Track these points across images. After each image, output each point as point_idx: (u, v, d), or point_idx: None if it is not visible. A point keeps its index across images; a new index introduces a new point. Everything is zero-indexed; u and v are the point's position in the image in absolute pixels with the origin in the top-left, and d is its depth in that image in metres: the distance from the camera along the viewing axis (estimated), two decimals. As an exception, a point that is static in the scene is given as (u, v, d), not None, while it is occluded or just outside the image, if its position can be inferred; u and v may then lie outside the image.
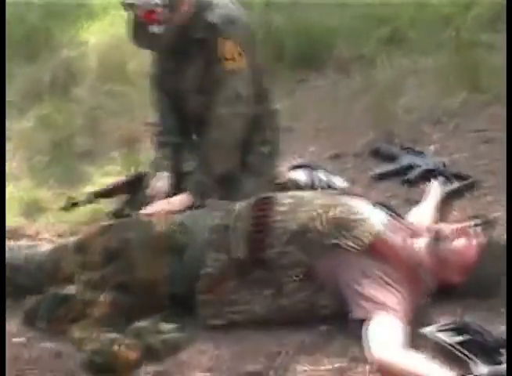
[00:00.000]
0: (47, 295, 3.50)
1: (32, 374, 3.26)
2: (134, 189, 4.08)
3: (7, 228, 4.27)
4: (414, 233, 3.40)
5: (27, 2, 9.37)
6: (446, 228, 3.35)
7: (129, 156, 4.87)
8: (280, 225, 3.33)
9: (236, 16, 4.01)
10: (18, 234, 4.22)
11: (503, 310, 3.22)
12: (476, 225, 3.36)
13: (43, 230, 4.30)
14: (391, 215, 3.47)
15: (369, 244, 3.22)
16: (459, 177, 4.35)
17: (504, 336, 2.98)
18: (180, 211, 3.80)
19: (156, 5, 3.77)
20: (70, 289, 3.48)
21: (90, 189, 4.60)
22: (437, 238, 3.29)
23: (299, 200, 3.46)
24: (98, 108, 5.81)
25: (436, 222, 3.84)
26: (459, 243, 3.28)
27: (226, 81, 3.93)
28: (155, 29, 3.83)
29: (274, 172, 4.16)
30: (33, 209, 4.50)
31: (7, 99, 6.37)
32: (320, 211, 3.33)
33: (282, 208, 3.40)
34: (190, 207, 3.88)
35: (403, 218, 3.58)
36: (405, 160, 4.58)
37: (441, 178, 4.30)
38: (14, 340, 3.46)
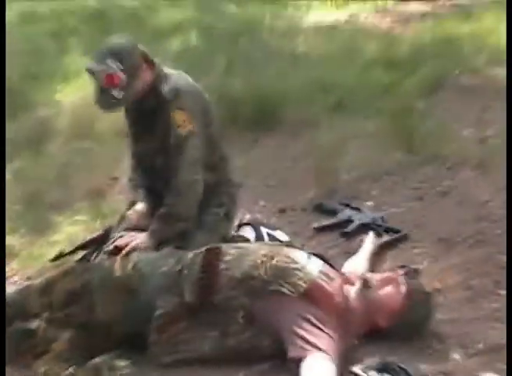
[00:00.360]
0: (13, 330, 3.53)
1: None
2: (103, 241, 4.13)
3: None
4: (345, 281, 3.48)
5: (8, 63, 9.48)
6: (374, 277, 3.43)
7: (95, 207, 4.93)
8: (226, 273, 3.42)
9: (184, 88, 4.08)
10: (-13, 277, 4.23)
11: (429, 351, 3.33)
12: (402, 274, 3.44)
13: (14, 273, 4.32)
14: (324, 265, 3.56)
15: (305, 290, 3.32)
16: (392, 230, 4.45)
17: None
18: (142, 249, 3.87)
19: (114, 70, 3.84)
20: (35, 324, 3.53)
21: (57, 237, 4.64)
22: (365, 286, 3.38)
23: (244, 251, 3.56)
24: (68, 163, 5.85)
25: (368, 271, 3.92)
26: (386, 290, 3.39)
27: (182, 146, 4.01)
28: (115, 93, 3.89)
29: (228, 232, 4.24)
30: (5, 254, 4.51)
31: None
32: (263, 259, 3.44)
33: (228, 257, 3.49)
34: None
35: (335, 268, 3.65)
36: (344, 214, 4.68)
37: (374, 232, 4.38)
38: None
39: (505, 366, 3.15)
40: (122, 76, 3.86)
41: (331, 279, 3.47)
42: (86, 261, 4.10)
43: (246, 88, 6.79)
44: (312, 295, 3.32)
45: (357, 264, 4.01)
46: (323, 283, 3.40)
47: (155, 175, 4.26)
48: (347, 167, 5.43)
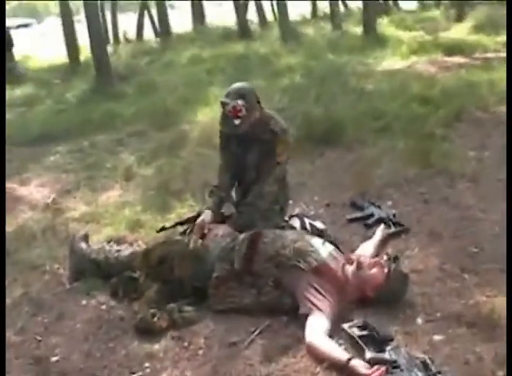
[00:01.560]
0: (124, 276, 3.67)
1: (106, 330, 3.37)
2: (195, 219, 4.12)
3: (116, 236, 4.42)
4: (347, 262, 3.39)
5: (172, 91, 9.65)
6: (366, 260, 3.34)
7: (202, 196, 4.92)
8: (263, 251, 3.43)
9: (288, 128, 4.14)
10: (122, 240, 4.31)
11: (401, 315, 3.21)
12: (385, 260, 3.33)
13: (138, 239, 4.37)
14: (334, 250, 3.49)
15: (315, 266, 3.30)
16: (399, 224, 4.29)
17: (390, 334, 2.98)
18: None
19: (240, 106, 3.86)
20: (137, 274, 3.64)
21: (171, 216, 4.67)
22: (359, 266, 3.30)
23: (278, 236, 3.54)
24: (191, 163, 5.89)
25: (376, 253, 3.82)
26: (373, 271, 3.30)
27: (276, 168, 4.07)
28: (236, 121, 3.93)
29: (280, 222, 4.15)
30: (135, 225, 4.57)
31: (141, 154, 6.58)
32: (290, 243, 3.43)
33: (266, 240, 3.50)
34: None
35: (342, 252, 3.56)
36: (369, 210, 4.55)
37: (386, 225, 4.24)
38: (102, 307, 3.56)
39: (451, 331, 3.02)
40: (244, 111, 3.89)
41: (337, 260, 3.42)
42: (183, 234, 4.10)
43: (323, 114, 6.67)
44: (320, 271, 3.30)
45: (367, 248, 3.88)
46: (330, 263, 3.36)
47: (243, 181, 4.27)
48: (379, 175, 5.25)
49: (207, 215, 3.97)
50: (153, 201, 5.12)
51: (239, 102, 3.87)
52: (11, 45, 14.15)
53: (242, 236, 3.59)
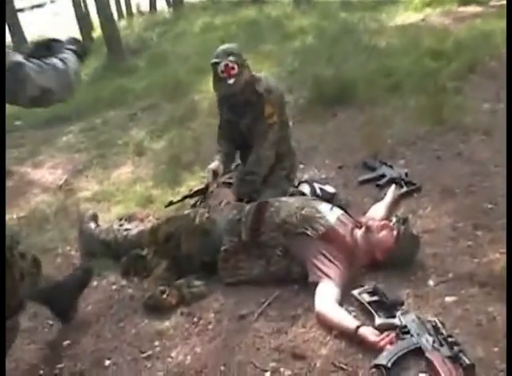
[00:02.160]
0: (132, 254, 3.66)
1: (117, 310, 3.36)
2: (204, 192, 4.09)
3: (127, 213, 4.39)
4: (355, 226, 3.32)
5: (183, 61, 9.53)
6: (375, 223, 3.25)
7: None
8: (270, 220, 3.36)
9: (273, 88, 4.05)
10: (133, 217, 4.29)
11: (412, 277, 3.14)
12: (394, 222, 3.25)
13: (149, 215, 4.34)
14: (342, 214, 3.41)
15: (323, 233, 3.23)
16: (411, 183, 4.19)
17: (400, 299, 2.91)
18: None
19: (232, 63, 3.81)
20: (145, 252, 3.62)
21: (181, 189, 4.62)
22: (368, 230, 3.23)
23: (284, 204, 3.45)
24: (201, 134, 5.81)
25: (386, 215, 3.71)
26: (382, 234, 3.21)
27: (266, 131, 4.01)
28: (230, 81, 3.85)
29: (288, 188, 4.14)
30: (146, 201, 4.54)
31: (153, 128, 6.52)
32: (295, 210, 3.35)
33: (272, 209, 3.42)
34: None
35: (351, 216, 3.47)
36: (380, 170, 4.45)
37: (397, 185, 4.15)
38: (112, 287, 3.54)
39: (463, 291, 2.94)
40: (236, 68, 3.83)
41: (345, 224, 3.34)
42: (194, 206, 4.07)
43: (334, 75, 6.54)
44: (328, 236, 3.22)
45: (378, 210, 3.78)
46: (338, 228, 3.29)
47: (244, 148, 4.25)
48: (391, 134, 5.13)
49: (217, 165, 4.05)
50: (164, 175, 5.10)
51: (231, 58, 3.82)
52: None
53: (248, 207, 3.53)
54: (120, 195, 4.85)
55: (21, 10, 28.88)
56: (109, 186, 5.13)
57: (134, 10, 22.44)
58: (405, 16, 10.46)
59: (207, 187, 4.12)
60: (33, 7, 33.75)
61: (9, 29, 14.29)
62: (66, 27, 18.63)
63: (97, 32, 14.66)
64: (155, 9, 21.64)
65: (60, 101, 2.54)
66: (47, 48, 2.68)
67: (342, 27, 10.00)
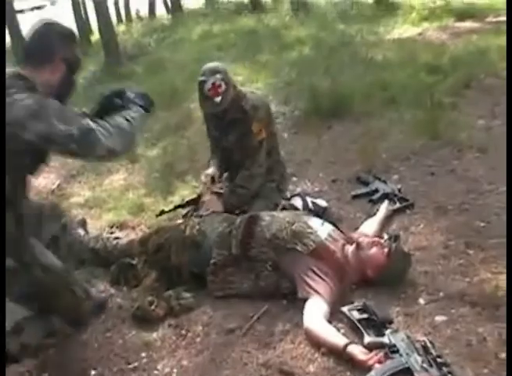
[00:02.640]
0: (122, 262, 3.62)
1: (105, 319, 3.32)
2: (196, 202, 4.08)
3: (119, 221, 4.35)
4: (347, 242, 3.29)
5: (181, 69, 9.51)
6: (366, 240, 3.22)
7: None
8: (260, 234, 3.33)
9: (260, 104, 4.04)
10: (124, 225, 4.27)
11: (403, 295, 3.11)
12: (386, 239, 3.22)
13: (140, 224, 4.31)
14: (333, 230, 3.37)
15: (313, 249, 3.19)
16: (404, 199, 4.16)
17: (389, 317, 2.88)
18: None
19: (220, 81, 3.81)
20: (135, 261, 3.59)
21: (173, 198, 4.61)
22: (358, 247, 3.19)
23: (275, 218, 3.42)
24: (196, 143, 5.77)
25: (378, 231, 3.70)
26: (373, 251, 3.18)
27: (256, 148, 4.00)
28: (217, 99, 3.83)
29: (279, 200, 4.09)
30: (137, 209, 4.51)
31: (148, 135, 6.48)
32: (286, 225, 3.32)
33: (263, 223, 3.38)
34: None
35: (342, 232, 3.43)
36: (374, 185, 4.43)
37: (390, 200, 4.12)
38: (101, 295, 3.51)
39: (454, 311, 2.91)
40: (223, 86, 3.81)
41: (336, 240, 3.31)
42: (185, 216, 4.05)
43: (331, 87, 6.51)
44: (319, 253, 3.19)
45: (371, 226, 3.77)
46: (329, 244, 3.26)
47: (230, 163, 4.22)
48: (386, 148, 5.11)
49: (214, 171, 4.14)
50: (156, 184, 5.07)
51: (217, 76, 3.81)
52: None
53: (238, 220, 3.49)
54: (112, 202, 4.81)
55: (21, 11, 28.87)
56: (102, 193, 5.10)
57: (133, 15, 22.45)
58: (403, 30, 10.48)
59: (199, 197, 4.10)
60: (33, 9, 33.77)
61: (8, 30, 14.27)
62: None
63: (95, 36, 14.63)
64: (154, 14, 21.67)
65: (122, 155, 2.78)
66: (115, 98, 2.91)
67: (340, 39, 10.00)
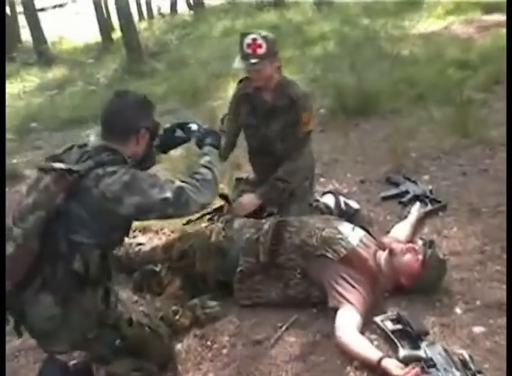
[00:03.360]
0: (145, 269, 3.49)
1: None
2: (222, 210, 3.91)
3: (142, 224, 4.24)
4: (379, 248, 3.16)
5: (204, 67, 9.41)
6: (399, 246, 3.07)
7: (231, 178, 4.74)
8: (289, 241, 3.19)
9: (307, 93, 3.84)
10: (147, 229, 4.13)
11: (438, 304, 2.99)
12: (420, 245, 3.09)
13: (163, 227, 4.18)
14: (365, 235, 3.24)
15: (344, 255, 3.06)
16: (436, 201, 4.03)
17: (425, 328, 2.76)
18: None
19: (261, 40, 3.49)
20: (158, 268, 3.45)
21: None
22: (392, 253, 3.06)
23: (304, 224, 3.28)
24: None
25: (410, 235, 3.58)
26: (407, 257, 3.04)
27: (304, 139, 3.81)
28: (254, 60, 3.53)
29: (311, 199, 3.92)
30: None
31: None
32: (316, 231, 3.18)
33: (292, 229, 3.25)
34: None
35: (374, 237, 3.31)
36: (404, 186, 4.29)
37: (422, 202, 3.99)
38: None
39: (492, 321, 2.78)
40: (264, 48, 3.50)
41: (368, 247, 3.18)
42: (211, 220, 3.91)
43: (357, 84, 6.35)
44: (350, 260, 3.06)
45: (402, 230, 3.63)
46: (360, 251, 3.13)
47: (267, 153, 3.92)
48: (415, 147, 4.97)
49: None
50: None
51: (262, 34, 3.53)
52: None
53: (266, 225, 3.34)
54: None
55: (43, 9, 29.00)
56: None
57: (155, 12, 22.39)
58: (428, 24, 10.28)
59: (227, 203, 3.94)
60: (55, 6, 33.89)
61: (30, 28, 14.29)
62: (86, 27, 18.67)
63: (117, 33, 14.58)
64: (176, 11, 21.58)
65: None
66: (177, 130, 2.97)
67: (364, 34, 9.83)
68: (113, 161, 2.46)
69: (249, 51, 3.55)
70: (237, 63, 3.65)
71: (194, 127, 2.91)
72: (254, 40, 3.52)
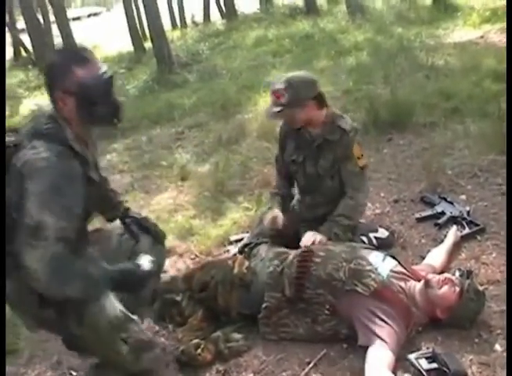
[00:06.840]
0: (165, 298, 3.34)
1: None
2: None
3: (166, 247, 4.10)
4: (412, 279, 2.96)
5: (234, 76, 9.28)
6: (435, 278, 2.88)
7: (259, 196, 4.60)
8: (315, 274, 3.01)
9: (356, 127, 3.65)
10: (171, 252, 4.02)
11: (476, 340, 2.78)
12: (459, 275, 2.90)
13: (188, 250, 4.06)
14: (396, 266, 3.05)
15: (375, 289, 2.87)
16: (474, 224, 3.81)
17: (463, 368, 2.56)
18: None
19: (280, 91, 3.39)
20: (179, 297, 3.31)
21: (224, 221, 4.36)
22: (427, 285, 2.86)
23: (331, 254, 3.09)
24: (250, 158, 5.50)
25: (446, 262, 3.40)
26: (443, 289, 2.84)
27: (360, 174, 3.58)
28: (275, 108, 3.44)
29: (358, 219, 3.69)
30: (186, 233, 4.26)
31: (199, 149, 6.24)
32: (343, 263, 2.99)
33: (317, 260, 3.06)
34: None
35: (406, 268, 3.11)
36: (440, 207, 4.08)
37: (459, 224, 3.80)
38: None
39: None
40: (285, 97, 3.37)
41: (400, 278, 2.99)
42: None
43: (390, 95, 6.17)
44: (381, 294, 2.87)
45: (437, 256, 3.43)
46: (392, 283, 2.94)
47: (317, 191, 3.72)
48: (452, 164, 4.75)
49: (275, 214, 3.61)
50: (206, 204, 4.79)
51: (282, 87, 3.39)
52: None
53: (291, 256, 3.17)
54: (160, 224, 4.56)
55: (78, 18, 29.29)
56: (150, 213, 4.84)
57: (188, 20, 22.41)
58: (463, 33, 9.99)
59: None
60: (89, 15, 34.26)
61: (61, 37, 14.34)
62: (120, 36, 18.72)
63: (150, 43, 14.56)
64: (209, 19, 21.56)
65: None
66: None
67: (398, 44, 9.59)
68: (47, 131, 2.33)
69: (273, 98, 3.47)
70: (268, 107, 3.58)
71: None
72: (276, 90, 3.43)
